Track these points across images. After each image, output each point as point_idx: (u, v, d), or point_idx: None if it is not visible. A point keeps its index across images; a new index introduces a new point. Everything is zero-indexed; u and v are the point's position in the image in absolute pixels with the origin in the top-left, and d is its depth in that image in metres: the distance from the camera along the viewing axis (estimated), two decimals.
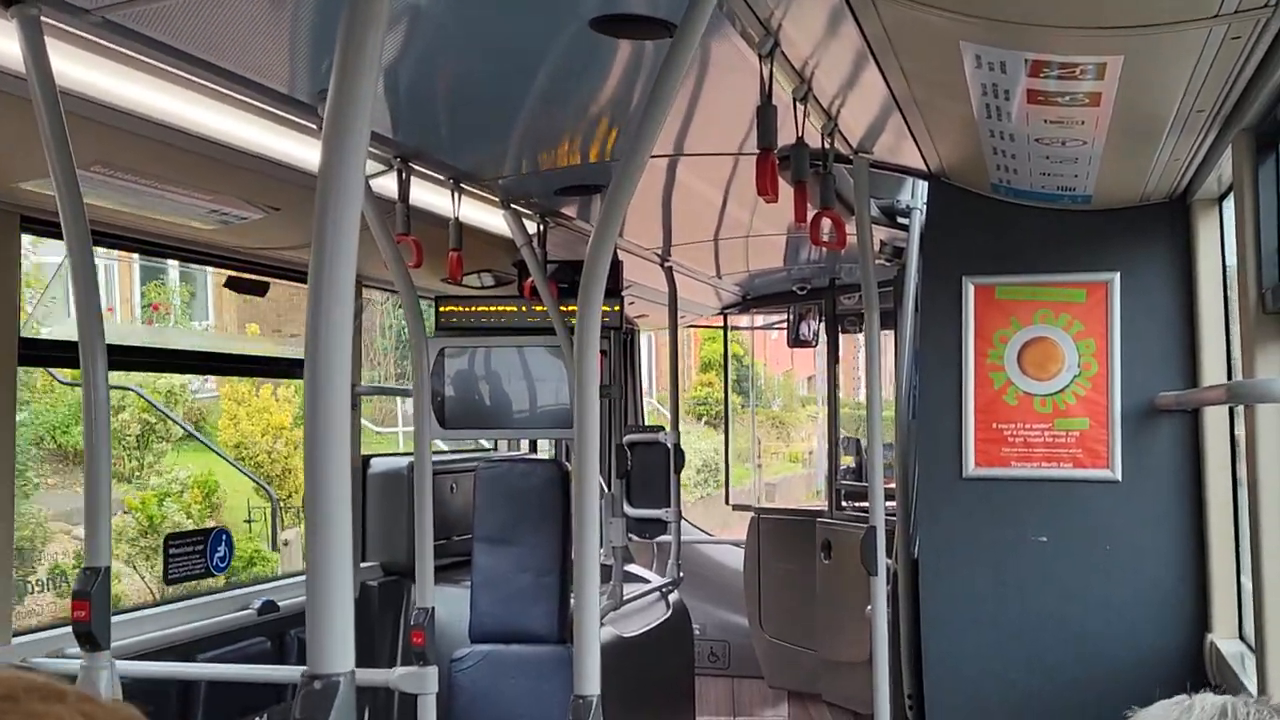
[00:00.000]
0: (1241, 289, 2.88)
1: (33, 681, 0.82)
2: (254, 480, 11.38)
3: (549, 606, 4.80)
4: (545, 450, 6.76)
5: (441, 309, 5.01)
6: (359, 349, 5.51)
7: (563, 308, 4.51)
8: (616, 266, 4.92)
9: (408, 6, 2.36)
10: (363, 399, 5.93)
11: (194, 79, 2.71)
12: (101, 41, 2.47)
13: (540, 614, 4.79)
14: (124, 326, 12.94)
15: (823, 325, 7.23)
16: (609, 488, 5.81)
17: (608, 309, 4.19)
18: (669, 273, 5.90)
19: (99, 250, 3.22)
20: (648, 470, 5.87)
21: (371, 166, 3.44)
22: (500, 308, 4.98)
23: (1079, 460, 3.74)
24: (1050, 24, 2.22)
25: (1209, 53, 2.25)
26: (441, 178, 3.81)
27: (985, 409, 3.80)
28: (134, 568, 10.20)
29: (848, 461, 7.22)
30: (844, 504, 6.81)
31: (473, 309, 4.98)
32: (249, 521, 11.08)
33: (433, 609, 3.67)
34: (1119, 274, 3.73)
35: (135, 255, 7.84)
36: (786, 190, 2.78)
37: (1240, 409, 3.25)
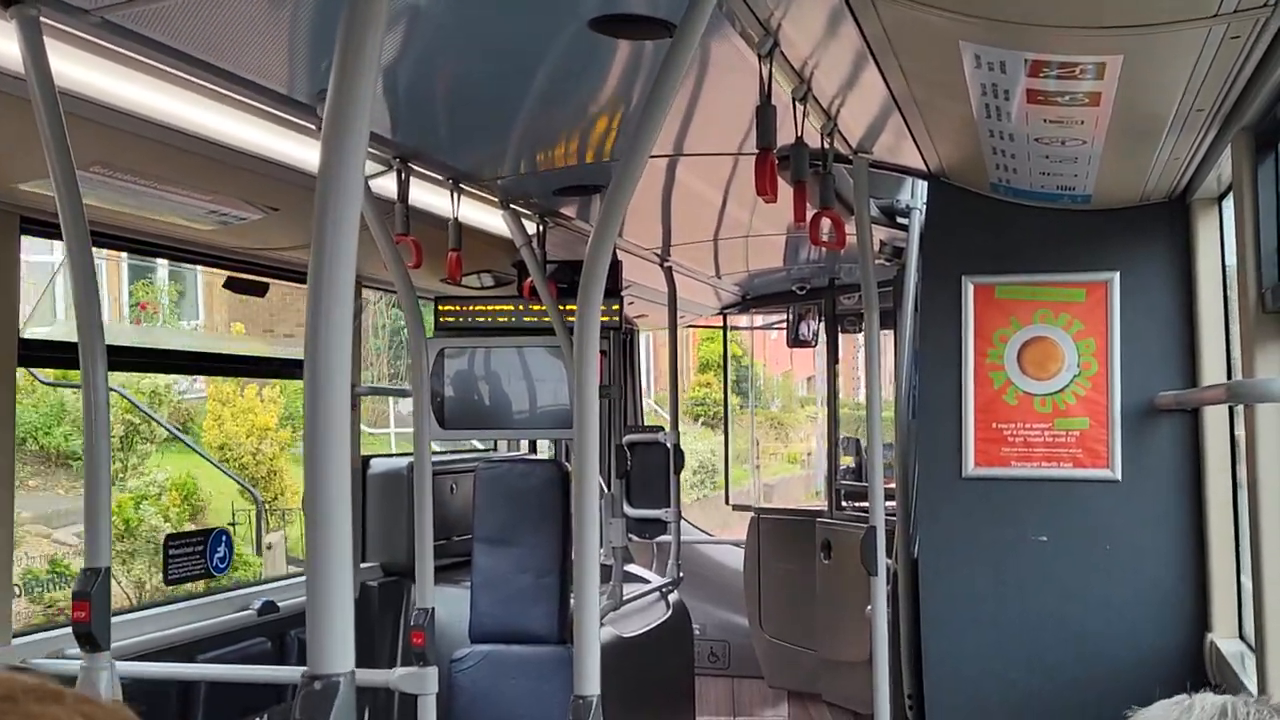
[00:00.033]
0: (1241, 288, 2.88)
1: (30, 683, 0.82)
2: (239, 482, 11.35)
3: (549, 607, 4.80)
4: (545, 451, 6.77)
5: (441, 309, 5.01)
6: (359, 349, 5.51)
7: (562, 308, 4.51)
8: (616, 266, 4.92)
9: (407, 6, 2.36)
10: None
11: (193, 79, 2.71)
12: (101, 42, 2.47)
13: (540, 614, 4.79)
14: (113, 326, 12.93)
15: (822, 325, 7.23)
16: (609, 488, 5.81)
17: (607, 309, 4.21)
18: (668, 273, 5.90)
19: None
20: (647, 470, 5.88)
21: (371, 167, 3.44)
22: (500, 308, 4.98)
23: (1079, 460, 3.74)
24: (1050, 24, 2.22)
25: (1208, 52, 2.25)
26: (441, 178, 3.81)
27: (985, 409, 3.80)
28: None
29: (847, 461, 7.22)
30: (844, 504, 6.81)
31: (472, 309, 4.98)
32: (233, 524, 11.07)
33: (433, 609, 3.67)
34: (1119, 273, 3.73)
35: (124, 254, 7.83)
36: (786, 190, 2.78)
37: (1240, 408, 3.25)
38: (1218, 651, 3.45)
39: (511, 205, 4.21)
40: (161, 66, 2.61)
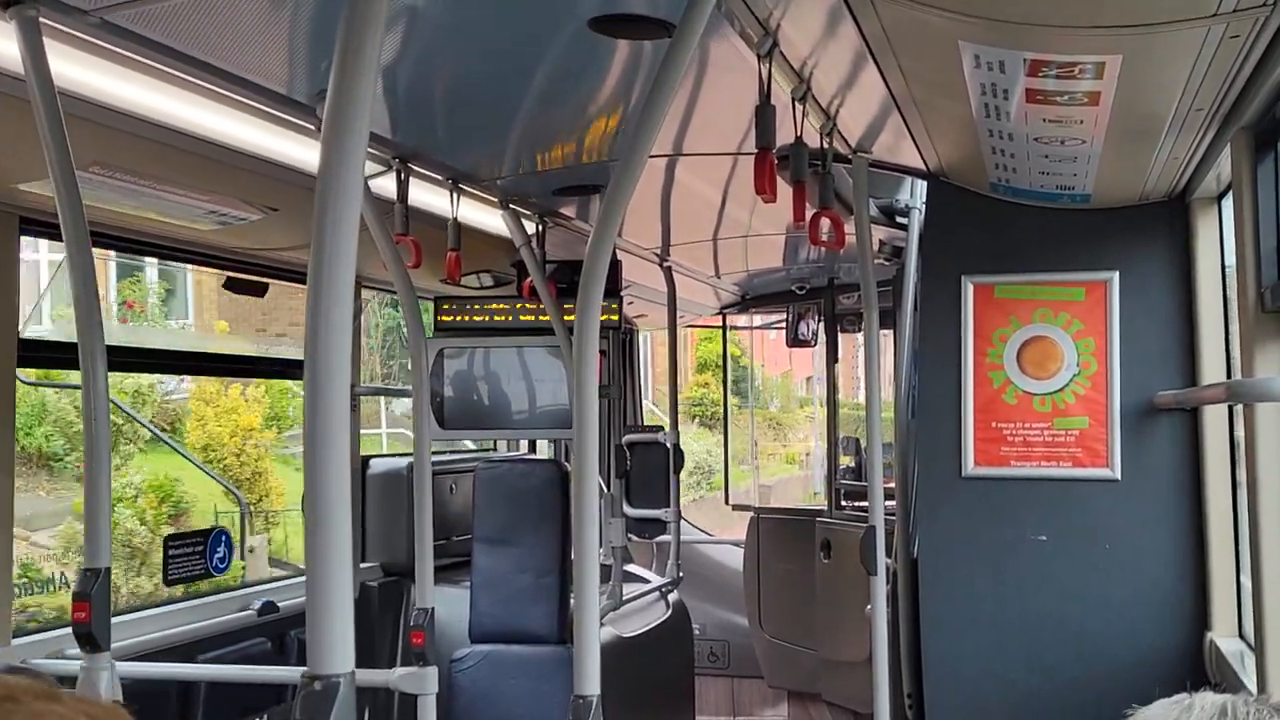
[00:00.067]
0: (1240, 287, 2.88)
1: (30, 684, 0.82)
2: (222, 484, 11.26)
3: (549, 607, 4.80)
4: (545, 451, 6.77)
5: (440, 309, 5.01)
6: (358, 350, 5.51)
7: (562, 307, 4.51)
8: (615, 266, 4.92)
9: (406, 7, 2.36)
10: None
11: (192, 80, 2.71)
12: (100, 43, 2.47)
13: (540, 614, 4.80)
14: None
15: (821, 325, 7.24)
16: (608, 488, 5.81)
17: (606, 309, 4.21)
18: (668, 273, 5.90)
19: None
20: (647, 470, 5.88)
21: (370, 167, 3.44)
22: (499, 308, 4.98)
23: (1078, 459, 3.74)
24: (1049, 24, 2.22)
25: (1207, 52, 2.25)
26: (440, 178, 3.81)
27: (984, 408, 3.80)
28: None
29: (847, 461, 7.23)
30: (843, 504, 6.81)
31: (472, 309, 4.99)
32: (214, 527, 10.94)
33: (432, 609, 3.67)
34: (1118, 273, 3.74)
35: (111, 252, 7.81)
36: (785, 190, 2.78)
37: (1240, 408, 3.25)
38: (1217, 651, 3.45)
39: (511, 205, 4.22)
40: (161, 67, 2.61)
